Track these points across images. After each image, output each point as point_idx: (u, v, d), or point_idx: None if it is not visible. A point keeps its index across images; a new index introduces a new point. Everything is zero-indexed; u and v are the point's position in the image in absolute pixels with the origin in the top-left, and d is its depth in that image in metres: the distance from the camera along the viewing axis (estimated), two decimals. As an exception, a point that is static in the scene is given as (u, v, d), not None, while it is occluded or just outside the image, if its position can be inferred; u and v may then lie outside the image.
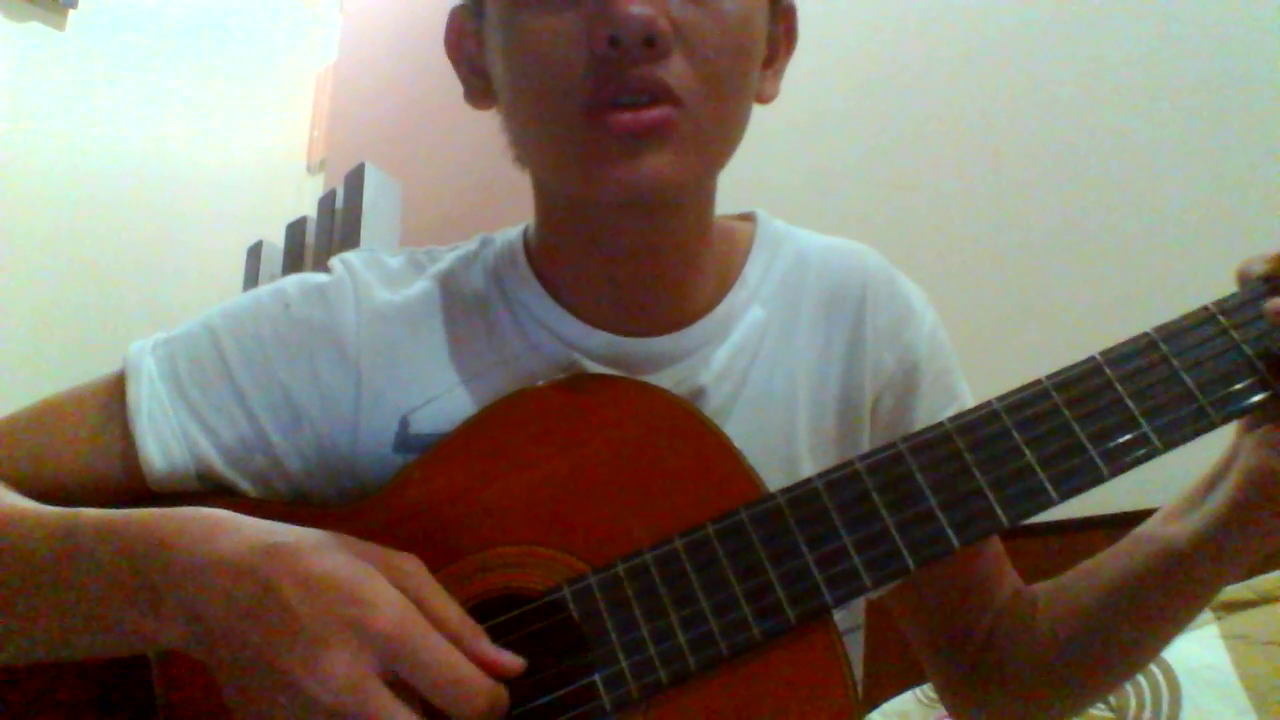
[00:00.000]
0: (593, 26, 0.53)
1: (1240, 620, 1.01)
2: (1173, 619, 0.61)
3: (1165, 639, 0.63)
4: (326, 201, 2.51)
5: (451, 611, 0.49)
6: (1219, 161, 1.23)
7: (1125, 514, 0.62)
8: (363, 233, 2.30)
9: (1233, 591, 1.03)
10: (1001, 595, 0.70)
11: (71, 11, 2.54)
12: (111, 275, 2.50)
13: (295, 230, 2.58)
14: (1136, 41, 1.35)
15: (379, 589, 0.47)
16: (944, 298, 1.37)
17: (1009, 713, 0.69)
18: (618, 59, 0.53)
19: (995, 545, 0.72)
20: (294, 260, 2.55)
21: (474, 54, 0.65)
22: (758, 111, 0.64)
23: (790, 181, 1.67)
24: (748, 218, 0.73)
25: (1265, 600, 1.01)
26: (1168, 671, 1.00)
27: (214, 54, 2.82)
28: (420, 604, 0.48)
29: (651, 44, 0.53)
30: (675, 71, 0.54)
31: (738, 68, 0.58)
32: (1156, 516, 0.61)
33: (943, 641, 0.72)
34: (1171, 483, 0.62)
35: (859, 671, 0.71)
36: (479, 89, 0.65)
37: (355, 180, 2.38)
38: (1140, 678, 1.00)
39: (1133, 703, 1.00)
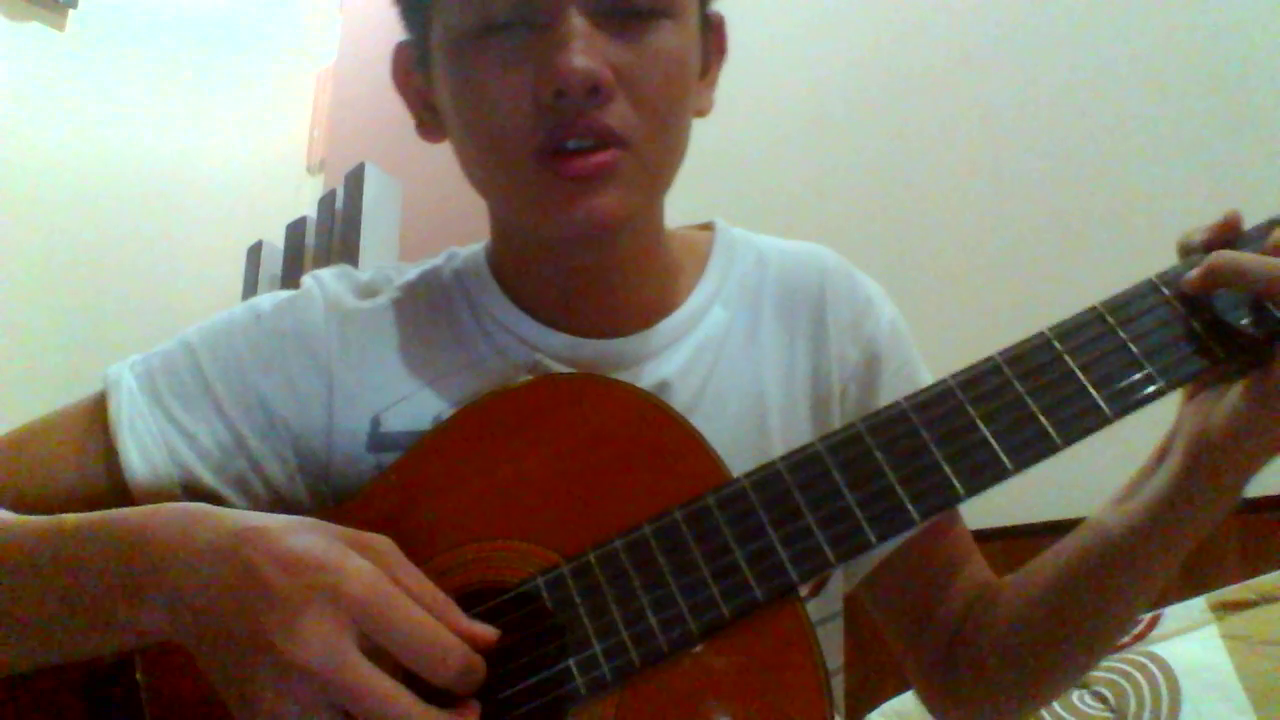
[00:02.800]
0: (539, 81, 0.57)
1: (1240, 620, 1.01)
2: (1126, 600, 0.62)
3: (1122, 621, 0.64)
4: (326, 201, 2.51)
5: (423, 584, 0.50)
6: (1218, 162, 1.23)
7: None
8: (363, 232, 2.30)
9: (1232, 591, 1.03)
10: (970, 583, 0.71)
11: (71, 11, 2.53)
12: (112, 275, 2.50)
13: (295, 230, 2.59)
14: (1136, 42, 1.35)
15: (352, 559, 0.48)
16: (942, 300, 1.38)
17: (979, 702, 0.70)
18: (564, 108, 0.57)
19: (962, 534, 0.73)
20: (294, 260, 2.54)
21: (422, 88, 0.68)
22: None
23: (787, 186, 1.67)
24: (707, 227, 0.76)
25: (1265, 600, 1.01)
26: (1167, 672, 1.00)
27: (213, 54, 2.82)
28: (392, 578, 0.49)
29: (596, 93, 0.56)
30: (618, 114, 0.58)
31: (676, 100, 0.61)
32: (1109, 499, 0.62)
33: (913, 631, 0.73)
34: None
35: (840, 660, 0.72)
36: (430, 122, 0.69)
37: (355, 180, 2.38)
38: (1140, 678, 1.00)
39: (1132, 703, 1.00)
